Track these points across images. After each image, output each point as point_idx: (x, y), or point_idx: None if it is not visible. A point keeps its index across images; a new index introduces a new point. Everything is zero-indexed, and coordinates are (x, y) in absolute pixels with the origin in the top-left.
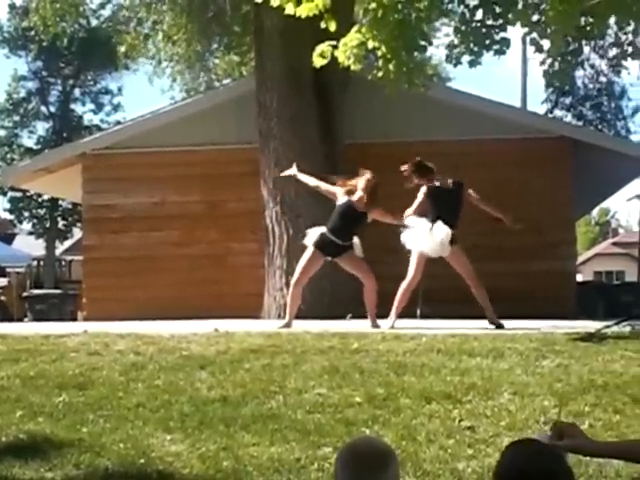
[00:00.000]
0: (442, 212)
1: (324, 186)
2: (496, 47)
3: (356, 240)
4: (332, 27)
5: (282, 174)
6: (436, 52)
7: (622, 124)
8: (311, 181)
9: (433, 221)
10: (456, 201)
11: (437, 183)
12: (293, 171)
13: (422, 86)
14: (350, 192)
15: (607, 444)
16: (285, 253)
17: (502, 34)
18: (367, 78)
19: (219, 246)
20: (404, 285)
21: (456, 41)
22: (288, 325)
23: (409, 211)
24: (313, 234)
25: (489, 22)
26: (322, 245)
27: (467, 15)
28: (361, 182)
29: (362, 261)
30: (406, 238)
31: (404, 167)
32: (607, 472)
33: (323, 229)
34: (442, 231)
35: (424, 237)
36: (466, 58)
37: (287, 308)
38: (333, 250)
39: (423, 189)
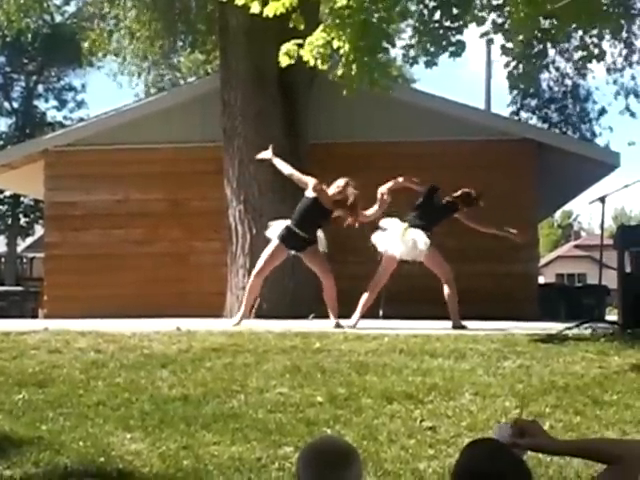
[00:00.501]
0: (416, 215)
1: (297, 174)
2: (452, 49)
3: (320, 234)
4: (300, 26)
5: (258, 156)
6: (399, 53)
7: (587, 127)
8: (285, 168)
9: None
10: (430, 205)
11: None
12: (269, 154)
13: (385, 87)
14: (321, 189)
15: (567, 442)
16: (248, 252)
17: (458, 36)
18: (331, 78)
19: (182, 244)
20: (371, 285)
21: (413, 41)
22: (243, 317)
23: (372, 211)
24: (277, 227)
25: (447, 24)
26: (286, 238)
27: (425, 15)
28: (350, 196)
29: (324, 259)
30: (378, 240)
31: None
32: (567, 473)
33: (288, 222)
34: (416, 235)
35: (396, 240)
36: (423, 59)
37: (243, 300)
38: (297, 244)
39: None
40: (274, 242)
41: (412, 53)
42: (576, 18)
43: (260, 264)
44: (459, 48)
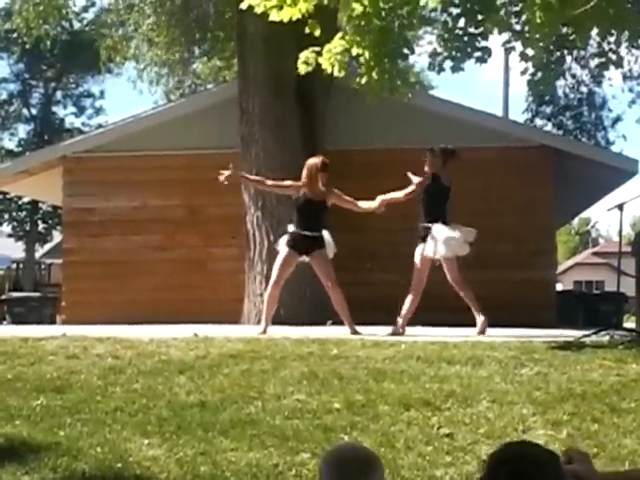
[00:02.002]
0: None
1: (276, 184)
2: (477, 55)
3: (328, 238)
4: (317, 32)
5: (220, 178)
6: (419, 60)
7: (602, 134)
8: (262, 183)
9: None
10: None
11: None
12: (231, 173)
13: (405, 93)
14: (301, 185)
15: (614, 474)
16: (266, 259)
17: (484, 42)
18: (350, 85)
19: (199, 251)
20: (412, 290)
21: (439, 49)
22: (264, 332)
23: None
24: (283, 239)
25: (471, 30)
26: (293, 243)
27: (450, 23)
28: (303, 172)
29: (331, 268)
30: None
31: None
32: None
33: (291, 228)
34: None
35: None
36: (448, 64)
37: (263, 311)
38: (305, 244)
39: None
40: (283, 250)
41: (438, 60)
42: (595, 24)
43: (274, 274)
44: (485, 54)
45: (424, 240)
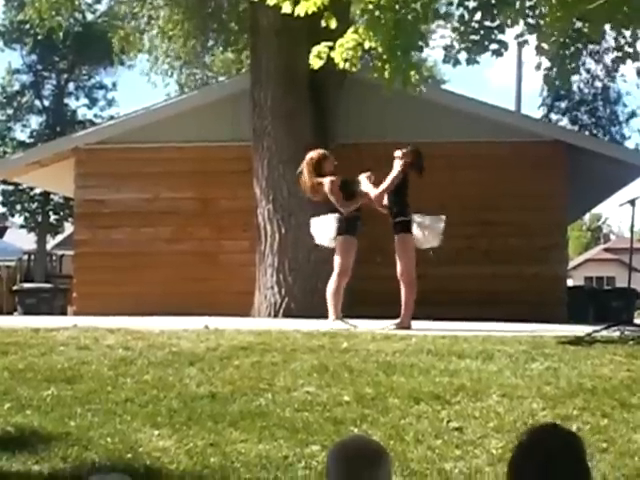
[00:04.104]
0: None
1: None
2: (494, 47)
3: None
4: (332, 25)
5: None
6: (431, 54)
7: (617, 129)
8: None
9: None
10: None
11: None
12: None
13: (417, 85)
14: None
15: None
16: (277, 251)
17: (500, 36)
18: (362, 78)
19: (211, 243)
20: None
21: (454, 42)
22: (338, 318)
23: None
24: (322, 229)
25: (487, 23)
26: (350, 227)
27: (466, 16)
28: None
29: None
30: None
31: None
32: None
33: (330, 218)
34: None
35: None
36: (463, 56)
37: (330, 304)
38: (358, 226)
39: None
40: (340, 239)
41: (453, 53)
42: (611, 18)
43: (341, 264)
44: (502, 47)
45: (409, 231)
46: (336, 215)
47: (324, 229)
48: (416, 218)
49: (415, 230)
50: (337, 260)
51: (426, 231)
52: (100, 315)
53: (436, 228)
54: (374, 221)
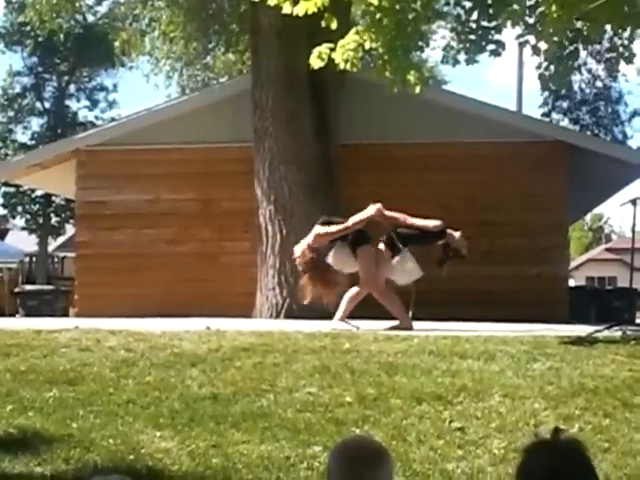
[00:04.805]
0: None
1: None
2: (492, 48)
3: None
4: (333, 25)
5: None
6: (432, 54)
7: (619, 129)
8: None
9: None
10: None
11: None
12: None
13: (418, 84)
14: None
15: None
16: (278, 252)
17: (497, 36)
18: (364, 79)
19: (212, 244)
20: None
21: (453, 43)
22: (408, 318)
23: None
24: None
25: (484, 23)
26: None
27: (463, 17)
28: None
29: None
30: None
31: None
32: None
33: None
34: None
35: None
36: (462, 57)
37: (393, 309)
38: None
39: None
40: (358, 254)
41: (452, 53)
42: (609, 19)
43: (364, 273)
44: (499, 47)
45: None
46: (344, 242)
47: (343, 260)
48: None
49: (397, 264)
50: (361, 271)
51: (405, 270)
52: (102, 317)
53: (413, 274)
54: (375, 228)
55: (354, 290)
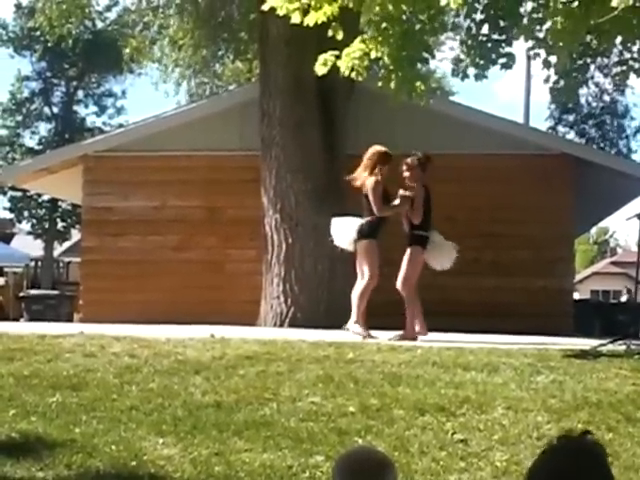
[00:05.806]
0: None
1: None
2: (502, 61)
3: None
4: (339, 35)
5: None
6: (440, 66)
7: (624, 143)
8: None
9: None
10: None
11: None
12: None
13: (423, 95)
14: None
15: None
16: (283, 261)
17: (508, 49)
18: (371, 89)
19: (217, 252)
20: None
21: (462, 55)
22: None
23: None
24: (353, 230)
25: (495, 36)
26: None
27: (473, 29)
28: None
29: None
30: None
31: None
32: None
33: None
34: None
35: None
36: (472, 71)
37: (355, 304)
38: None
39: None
40: (364, 243)
41: (461, 66)
42: (618, 33)
43: (369, 268)
44: (510, 60)
45: (423, 247)
46: (360, 219)
47: (346, 231)
48: (435, 237)
49: (431, 248)
50: (364, 264)
51: (441, 253)
52: (106, 322)
53: (451, 253)
54: (382, 233)
55: (360, 287)
